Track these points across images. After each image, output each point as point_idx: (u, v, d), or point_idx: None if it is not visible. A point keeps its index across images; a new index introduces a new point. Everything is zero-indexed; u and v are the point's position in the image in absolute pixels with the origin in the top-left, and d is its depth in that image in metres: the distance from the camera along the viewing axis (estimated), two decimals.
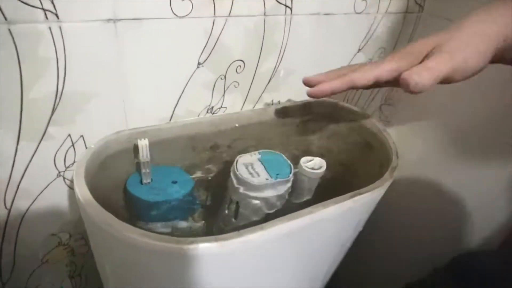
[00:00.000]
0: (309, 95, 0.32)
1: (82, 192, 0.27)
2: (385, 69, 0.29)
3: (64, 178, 0.39)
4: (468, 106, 0.51)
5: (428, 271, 0.57)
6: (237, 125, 0.42)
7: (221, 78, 0.42)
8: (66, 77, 0.33)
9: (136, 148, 0.35)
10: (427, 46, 0.29)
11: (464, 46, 0.27)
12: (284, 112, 0.45)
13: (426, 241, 0.61)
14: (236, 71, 0.43)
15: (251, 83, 0.45)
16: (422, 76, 0.26)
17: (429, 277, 0.57)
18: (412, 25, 0.56)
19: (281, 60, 0.45)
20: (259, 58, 0.43)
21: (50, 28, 0.30)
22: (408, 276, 0.60)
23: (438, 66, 0.26)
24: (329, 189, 0.37)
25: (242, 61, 0.42)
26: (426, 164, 0.58)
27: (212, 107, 0.44)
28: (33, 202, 0.38)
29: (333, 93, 0.31)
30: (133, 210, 0.36)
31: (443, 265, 0.54)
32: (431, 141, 0.57)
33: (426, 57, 0.28)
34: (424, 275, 0.58)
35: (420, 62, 0.28)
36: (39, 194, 0.38)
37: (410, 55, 0.29)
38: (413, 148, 0.58)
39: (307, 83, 0.33)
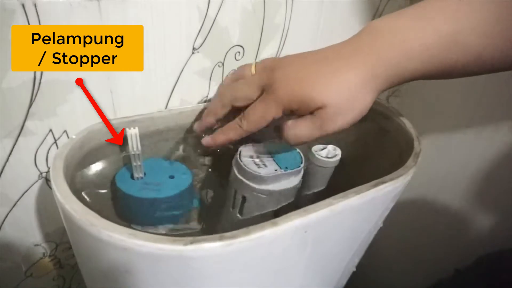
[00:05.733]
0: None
1: (60, 187, 0.23)
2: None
3: (46, 179, 0.35)
4: (479, 98, 0.48)
5: (449, 273, 0.54)
6: None
7: (218, 66, 0.39)
8: None
9: (125, 139, 0.31)
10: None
11: (342, 111, 0.26)
12: None
13: (446, 241, 0.58)
14: (235, 58, 0.39)
15: None
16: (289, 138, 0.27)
17: (451, 278, 0.53)
18: None
19: (283, 46, 0.42)
20: (259, 43, 0.40)
21: (23, 6, 0.26)
22: (428, 278, 0.57)
23: (307, 133, 0.27)
24: (338, 182, 0.33)
25: (241, 46, 0.39)
26: (439, 158, 0.55)
27: (210, 99, 0.41)
28: (12, 208, 0.34)
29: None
30: (123, 210, 0.32)
31: (466, 266, 0.51)
32: (441, 133, 0.54)
33: (298, 112, 0.27)
34: (444, 277, 0.55)
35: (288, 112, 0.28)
36: (19, 199, 0.34)
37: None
38: (424, 141, 0.55)
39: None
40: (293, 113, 0.28)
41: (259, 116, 0.28)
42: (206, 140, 0.31)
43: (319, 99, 0.26)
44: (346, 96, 0.25)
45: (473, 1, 0.23)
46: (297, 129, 0.27)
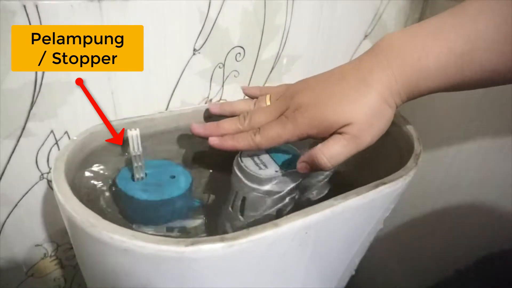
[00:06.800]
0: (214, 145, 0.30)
1: (61, 188, 0.24)
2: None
3: (48, 180, 0.35)
4: (480, 100, 0.48)
5: (449, 273, 0.54)
6: None
7: (219, 67, 0.39)
8: None
9: (126, 140, 0.31)
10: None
11: (368, 127, 0.27)
12: None
13: (446, 242, 0.58)
14: (236, 59, 0.39)
15: (252, 73, 0.42)
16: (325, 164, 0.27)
17: (451, 279, 0.53)
18: (419, 10, 0.53)
19: (283, 47, 0.42)
20: (260, 44, 0.40)
21: (24, 7, 0.26)
22: (428, 278, 0.57)
23: (345, 151, 0.27)
24: (339, 183, 0.33)
25: (242, 47, 0.39)
26: (441, 159, 0.55)
27: (211, 100, 0.41)
28: (13, 209, 0.35)
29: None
30: (124, 211, 0.32)
31: (466, 266, 0.51)
32: (442, 135, 0.54)
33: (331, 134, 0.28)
34: (445, 277, 0.55)
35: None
36: (20, 200, 0.34)
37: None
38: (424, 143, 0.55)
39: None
40: (307, 138, 0.28)
41: (274, 135, 0.28)
42: (214, 140, 0.30)
43: (345, 118, 0.26)
44: (369, 112, 0.26)
45: (487, 20, 0.24)
46: (333, 151, 0.27)
